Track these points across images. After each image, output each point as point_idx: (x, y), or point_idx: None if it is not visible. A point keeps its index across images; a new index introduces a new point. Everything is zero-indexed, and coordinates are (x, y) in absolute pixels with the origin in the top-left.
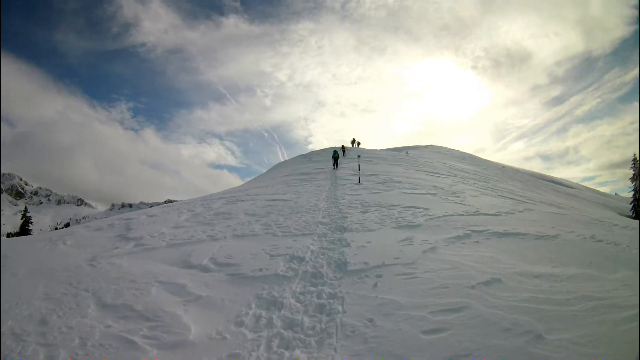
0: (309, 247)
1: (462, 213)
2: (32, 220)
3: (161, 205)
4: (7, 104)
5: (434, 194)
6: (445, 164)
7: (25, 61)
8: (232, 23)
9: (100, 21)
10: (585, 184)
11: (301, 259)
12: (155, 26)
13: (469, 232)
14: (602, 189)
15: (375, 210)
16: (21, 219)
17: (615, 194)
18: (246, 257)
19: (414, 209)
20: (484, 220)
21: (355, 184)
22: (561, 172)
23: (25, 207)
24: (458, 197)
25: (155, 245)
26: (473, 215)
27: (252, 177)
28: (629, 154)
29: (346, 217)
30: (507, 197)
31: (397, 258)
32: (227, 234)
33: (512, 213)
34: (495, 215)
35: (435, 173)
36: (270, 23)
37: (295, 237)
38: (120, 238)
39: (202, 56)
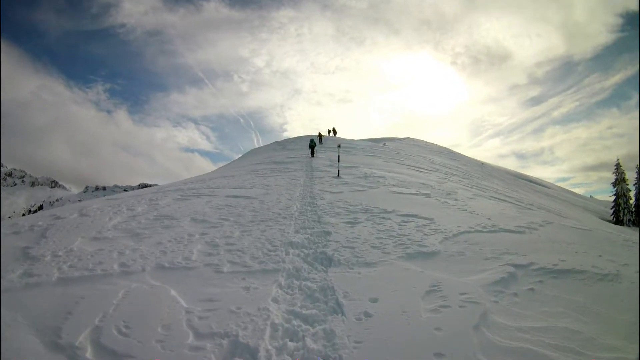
0: (268, 315)
1: (478, 228)
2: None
3: (106, 198)
4: None
5: (427, 195)
6: (424, 157)
7: (4, 39)
8: (213, 7)
9: (80, 1)
10: (560, 184)
11: (251, 353)
12: (136, 8)
13: (511, 268)
14: (576, 190)
15: (367, 219)
16: None
17: (591, 196)
18: (149, 336)
19: (415, 220)
20: (512, 242)
21: (334, 177)
22: (535, 171)
23: None
24: (456, 200)
25: (41, 281)
26: (493, 232)
27: (225, 163)
28: (604, 157)
29: (329, 234)
30: (505, 201)
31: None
32: (149, 262)
33: (533, 229)
34: (518, 232)
35: (417, 167)
36: (250, 9)
37: (250, 279)
38: (22, 254)
39: (181, 39)
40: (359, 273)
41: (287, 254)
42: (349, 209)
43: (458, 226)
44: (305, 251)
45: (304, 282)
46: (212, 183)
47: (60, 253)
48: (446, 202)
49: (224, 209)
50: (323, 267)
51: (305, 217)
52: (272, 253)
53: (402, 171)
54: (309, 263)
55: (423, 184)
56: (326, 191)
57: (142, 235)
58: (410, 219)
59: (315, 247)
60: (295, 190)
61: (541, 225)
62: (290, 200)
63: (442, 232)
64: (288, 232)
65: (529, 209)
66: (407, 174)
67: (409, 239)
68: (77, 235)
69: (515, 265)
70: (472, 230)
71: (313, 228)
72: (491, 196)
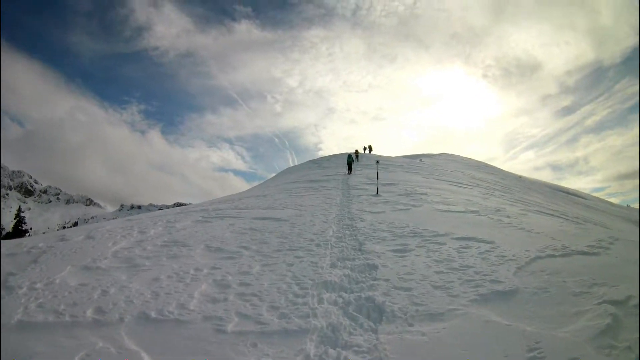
0: None
1: (548, 251)
2: (25, 220)
3: (125, 218)
4: (18, 103)
5: (477, 213)
6: (463, 172)
7: (38, 61)
8: (244, 28)
9: (113, 24)
10: (595, 194)
11: None
12: (168, 30)
13: (610, 308)
14: (612, 200)
15: (418, 246)
16: (14, 218)
17: (627, 205)
18: None
19: (475, 244)
20: (593, 267)
21: (372, 195)
22: (571, 183)
23: (19, 207)
24: (508, 217)
25: None
26: (566, 255)
27: (259, 182)
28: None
29: (375, 268)
30: (553, 215)
31: None
32: (132, 309)
33: (605, 248)
34: (593, 254)
35: (457, 183)
36: (281, 29)
37: (263, 346)
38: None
39: (214, 61)
40: (424, 334)
41: (320, 301)
42: (395, 232)
43: (526, 250)
44: (345, 296)
45: (344, 353)
46: (240, 203)
47: (38, 285)
48: (500, 220)
49: (246, 234)
50: (371, 324)
51: (344, 244)
52: (299, 300)
53: (443, 187)
54: (350, 317)
55: (468, 200)
56: (366, 211)
57: (141, 267)
58: (469, 243)
59: (358, 289)
60: (332, 210)
61: (611, 244)
62: (325, 222)
63: (511, 259)
64: (322, 267)
65: (582, 224)
66: (449, 190)
67: (476, 272)
68: (69, 263)
69: (613, 303)
70: (544, 255)
71: (354, 259)
72: (538, 211)
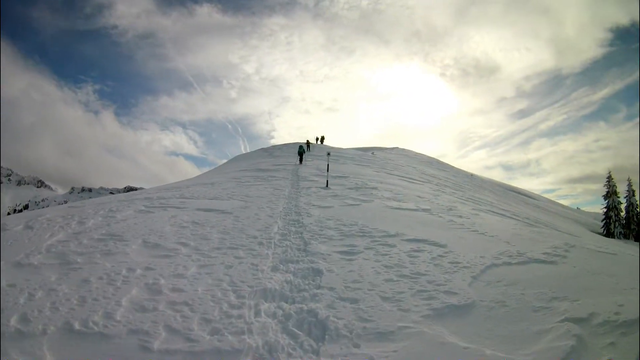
0: None
1: (504, 258)
2: None
3: (68, 205)
4: None
5: (428, 211)
6: (415, 168)
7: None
8: (205, 11)
9: (75, 0)
10: (546, 195)
11: None
12: (129, 10)
13: (573, 327)
14: (562, 202)
15: (367, 247)
16: None
17: (577, 208)
18: None
19: (427, 247)
20: (551, 278)
21: (322, 187)
22: (522, 183)
23: None
24: (460, 217)
25: None
26: (523, 263)
27: (210, 168)
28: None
29: (320, 273)
30: (505, 216)
31: None
32: (56, 319)
33: (562, 256)
34: (550, 262)
35: (409, 178)
36: (242, 15)
37: None
38: None
39: (172, 43)
40: (371, 358)
41: (257, 313)
42: (343, 230)
43: (481, 256)
44: (286, 307)
45: None
46: (187, 191)
47: None
48: (452, 220)
49: (187, 228)
50: (312, 343)
51: (288, 243)
52: (234, 312)
53: (394, 182)
54: (289, 334)
55: (419, 197)
56: (314, 205)
57: (73, 264)
58: (421, 245)
59: (300, 299)
60: (279, 203)
61: (567, 251)
62: (271, 216)
63: (465, 266)
64: (263, 270)
65: (535, 226)
66: (400, 185)
67: (428, 281)
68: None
69: (575, 320)
70: (499, 262)
71: (298, 262)
72: (490, 210)
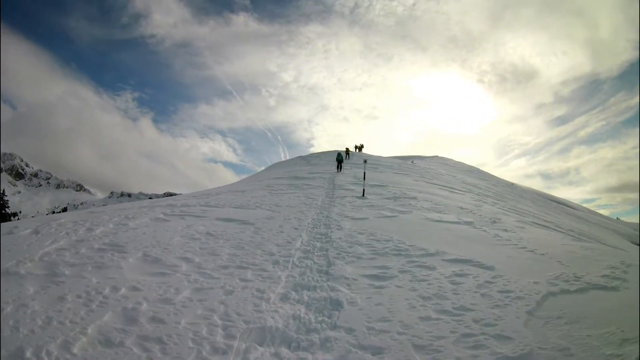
0: None
1: (560, 283)
2: (7, 201)
3: (88, 210)
4: (11, 84)
5: (471, 224)
6: (455, 177)
7: (34, 43)
8: (242, 21)
9: (112, 10)
10: (585, 205)
11: None
12: (165, 19)
13: None
14: (601, 212)
15: (402, 270)
16: None
17: (617, 218)
18: None
19: (471, 269)
20: (615, 311)
21: (358, 197)
22: (561, 192)
23: (3, 190)
24: (506, 231)
25: None
26: (581, 290)
27: (248, 175)
28: (627, 178)
29: (339, 305)
30: (549, 228)
31: None
32: (16, 339)
33: (622, 279)
34: (611, 288)
35: (449, 188)
36: (279, 23)
37: None
38: None
39: (210, 51)
40: None
41: None
42: (375, 247)
43: (534, 282)
44: (285, 355)
45: None
46: (214, 199)
47: None
48: (497, 235)
49: (198, 241)
50: None
51: (309, 263)
52: (214, 358)
53: (434, 192)
54: None
55: (460, 207)
56: (346, 216)
57: (59, 276)
58: (464, 268)
59: (307, 345)
60: (309, 213)
61: (625, 272)
62: (296, 229)
63: (519, 296)
64: (269, 299)
65: (582, 239)
66: (440, 195)
67: (475, 319)
68: None
69: None
70: (556, 289)
71: (315, 288)
72: (534, 223)
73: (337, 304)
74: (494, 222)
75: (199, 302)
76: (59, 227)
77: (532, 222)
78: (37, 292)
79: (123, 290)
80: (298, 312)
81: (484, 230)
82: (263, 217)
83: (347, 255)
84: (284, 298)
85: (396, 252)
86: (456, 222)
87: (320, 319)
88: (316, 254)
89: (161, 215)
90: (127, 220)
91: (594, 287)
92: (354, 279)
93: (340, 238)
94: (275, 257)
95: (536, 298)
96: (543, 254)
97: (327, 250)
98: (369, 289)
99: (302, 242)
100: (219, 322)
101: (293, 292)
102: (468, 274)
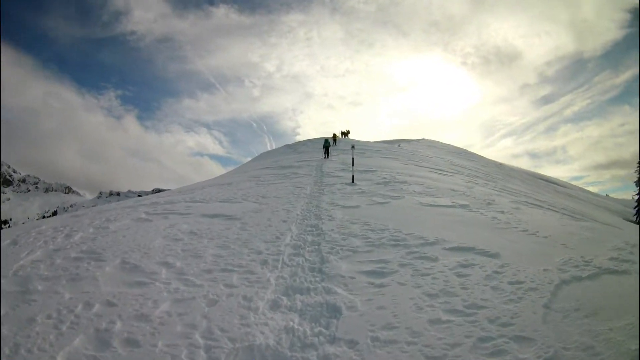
0: None
1: (570, 269)
2: None
3: (71, 214)
4: None
5: (467, 207)
6: (443, 159)
7: (13, 47)
8: (222, 13)
9: (91, 9)
10: (574, 183)
11: None
12: (145, 15)
13: None
14: (590, 189)
15: (402, 263)
16: None
17: (606, 195)
18: None
19: (475, 258)
20: (634, 300)
21: (347, 183)
22: (549, 171)
23: None
24: (502, 212)
25: None
26: (594, 276)
27: (235, 166)
28: (615, 155)
29: (337, 312)
30: (543, 207)
31: None
32: None
33: (631, 261)
34: (622, 272)
35: (438, 170)
36: (259, 14)
37: None
38: None
39: (191, 45)
40: None
41: None
42: (371, 238)
43: (544, 269)
44: None
45: None
46: (199, 194)
47: None
48: (495, 218)
49: (181, 241)
50: None
51: (300, 260)
52: None
53: (424, 175)
54: None
55: (452, 190)
56: (337, 205)
57: (31, 293)
58: (468, 257)
59: None
60: (297, 204)
61: (631, 253)
62: (285, 222)
63: (531, 287)
64: (258, 307)
65: (579, 218)
66: (430, 178)
67: (490, 318)
68: None
69: None
70: (567, 276)
71: (309, 291)
72: (528, 202)
73: (334, 310)
74: (489, 203)
75: (179, 317)
76: (38, 235)
77: (526, 202)
78: (6, 315)
79: (97, 307)
80: (291, 322)
81: (481, 214)
82: (250, 211)
83: (341, 249)
84: (275, 306)
85: (394, 243)
86: (451, 206)
87: (316, 330)
88: (307, 249)
89: (143, 215)
90: (108, 223)
91: (605, 272)
92: (351, 277)
93: (332, 230)
94: (263, 256)
95: (549, 288)
96: (546, 237)
97: (319, 244)
98: (369, 289)
99: (291, 237)
100: (201, 341)
101: (284, 298)
102: (473, 264)
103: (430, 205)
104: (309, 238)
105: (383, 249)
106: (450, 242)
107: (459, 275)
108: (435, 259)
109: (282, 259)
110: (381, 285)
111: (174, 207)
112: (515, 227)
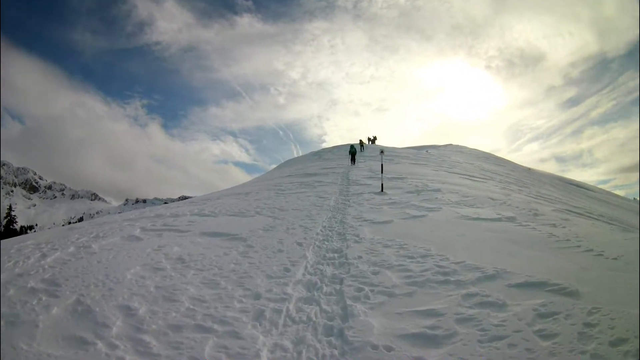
0: None
1: None
2: (14, 216)
3: (67, 227)
4: (18, 100)
5: (513, 220)
6: (472, 164)
7: (39, 58)
8: (246, 22)
9: (115, 20)
10: (601, 187)
11: None
12: (170, 25)
13: None
14: (617, 193)
15: (460, 317)
16: (5, 217)
17: (634, 199)
18: None
19: (551, 298)
20: None
21: (375, 192)
22: (576, 175)
23: (10, 205)
24: (554, 225)
25: None
26: None
27: (260, 174)
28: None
29: None
30: (582, 215)
31: None
32: None
33: None
34: None
35: (469, 176)
36: (283, 22)
37: None
38: None
39: (217, 54)
40: None
41: None
42: (411, 271)
43: None
44: None
45: None
46: (211, 205)
47: None
48: (552, 234)
49: (160, 273)
50: None
51: (313, 312)
52: None
53: (456, 181)
54: None
55: (491, 198)
56: (366, 220)
57: None
58: (543, 298)
59: None
60: (319, 218)
61: None
62: (301, 244)
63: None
64: None
65: (626, 229)
66: (464, 185)
67: None
68: None
69: None
70: None
71: None
72: (569, 210)
73: None
74: (535, 214)
75: None
76: (16, 252)
77: (569, 211)
78: None
79: None
80: None
81: (533, 228)
82: (260, 228)
83: (371, 292)
84: None
85: (442, 279)
86: (497, 219)
87: None
88: (325, 290)
89: (137, 232)
90: (94, 240)
91: None
92: (388, 348)
93: (359, 257)
94: (260, 303)
95: None
96: (615, 259)
97: (341, 281)
98: None
99: (306, 269)
100: None
101: None
102: (555, 312)
103: (473, 218)
104: (329, 271)
105: (429, 290)
106: (514, 273)
107: (543, 336)
108: (503, 306)
109: (287, 308)
110: None
111: (175, 221)
112: (578, 246)
